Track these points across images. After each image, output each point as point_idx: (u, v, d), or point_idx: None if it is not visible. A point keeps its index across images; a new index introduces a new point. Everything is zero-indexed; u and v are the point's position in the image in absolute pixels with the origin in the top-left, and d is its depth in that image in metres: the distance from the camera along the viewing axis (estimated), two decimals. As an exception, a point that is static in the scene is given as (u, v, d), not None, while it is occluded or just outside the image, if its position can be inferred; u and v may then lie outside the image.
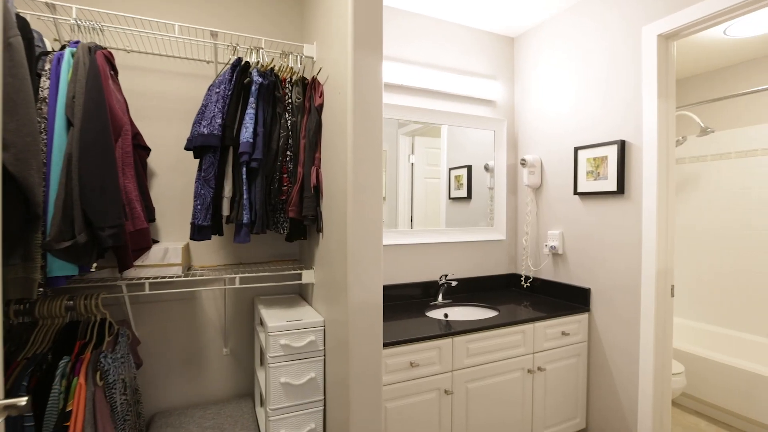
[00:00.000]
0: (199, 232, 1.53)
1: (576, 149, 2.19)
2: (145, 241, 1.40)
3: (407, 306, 2.16)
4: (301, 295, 2.01)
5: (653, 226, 1.84)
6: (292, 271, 1.72)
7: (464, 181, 2.51)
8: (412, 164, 2.39)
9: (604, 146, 2.05)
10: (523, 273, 2.55)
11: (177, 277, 1.57)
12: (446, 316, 2.18)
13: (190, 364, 1.88)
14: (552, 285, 2.35)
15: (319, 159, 1.57)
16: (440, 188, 2.45)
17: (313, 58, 1.79)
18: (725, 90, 3.02)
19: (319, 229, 1.58)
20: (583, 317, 2.12)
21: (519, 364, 1.92)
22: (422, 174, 2.41)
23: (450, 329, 1.75)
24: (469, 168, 2.51)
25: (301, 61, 1.76)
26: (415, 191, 2.38)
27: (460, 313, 2.21)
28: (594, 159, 2.10)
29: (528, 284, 2.50)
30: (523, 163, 2.41)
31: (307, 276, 1.70)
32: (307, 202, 1.53)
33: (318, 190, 1.56)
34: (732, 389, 2.39)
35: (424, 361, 1.68)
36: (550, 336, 2.01)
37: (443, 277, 2.27)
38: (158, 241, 1.72)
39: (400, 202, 2.33)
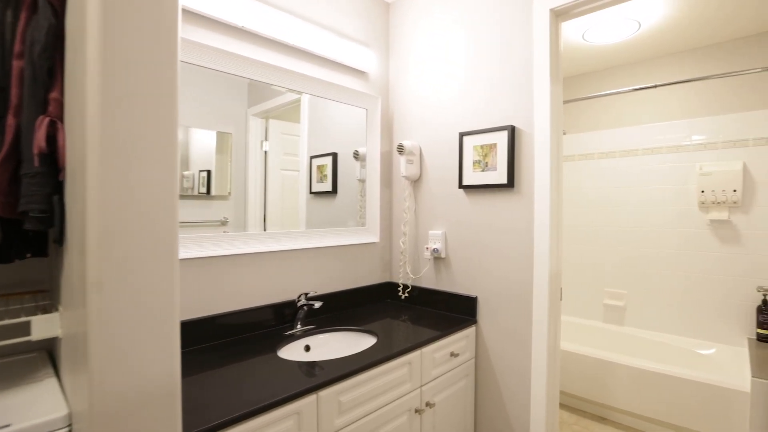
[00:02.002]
0: None
1: (461, 135, 1.86)
2: None
3: (253, 341, 1.51)
4: (51, 353, 1.16)
5: (546, 224, 1.60)
6: (14, 320, 0.91)
7: (329, 171, 1.97)
8: (266, 152, 1.76)
9: (493, 132, 1.75)
10: (400, 281, 2.14)
11: None
12: (308, 349, 1.61)
13: None
14: (434, 294, 1.99)
15: (59, 103, 0.81)
16: (300, 181, 1.86)
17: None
18: (585, 95, 3.18)
19: (58, 239, 0.82)
20: (470, 331, 1.80)
21: (405, 404, 1.47)
22: (278, 164, 1.79)
23: (314, 375, 1.18)
24: (335, 156, 1.99)
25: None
26: (270, 185, 1.76)
27: (326, 345, 1.66)
28: (481, 147, 1.80)
29: (407, 294, 2.10)
30: (401, 149, 1.99)
31: (45, 326, 0.89)
32: (30, 185, 0.77)
33: (54, 161, 0.79)
34: (583, 376, 2.42)
35: (275, 438, 1.07)
36: (439, 360, 1.63)
37: (302, 296, 1.69)
38: None
39: (250, 198, 1.68)
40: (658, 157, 2.76)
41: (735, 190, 2.45)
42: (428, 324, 1.75)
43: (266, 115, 1.75)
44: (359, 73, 2.06)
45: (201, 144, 1.53)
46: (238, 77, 1.60)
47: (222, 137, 1.60)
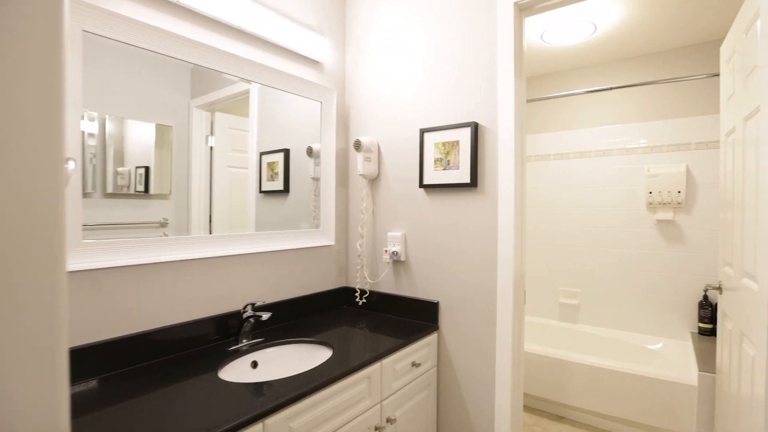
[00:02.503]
0: None
1: (422, 132, 1.77)
2: None
3: (191, 359, 1.32)
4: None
5: (510, 225, 1.54)
6: None
7: (280, 169, 1.81)
8: (212, 148, 1.57)
9: (456, 129, 1.68)
10: (358, 287, 2.02)
11: None
12: (255, 365, 1.44)
13: None
14: (394, 300, 1.88)
15: None
16: (249, 179, 1.69)
17: None
18: (541, 96, 3.21)
19: None
20: (432, 338, 1.71)
21: (364, 423, 1.35)
22: (226, 161, 1.61)
23: (260, 398, 1.03)
24: (287, 153, 1.83)
25: None
26: (217, 184, 1.57)
27: (276, 359, 1.50)
28: (443, 144, 1.71)
29: (364, 300, 1.97)
30: (358, 146, 1.87)
31: None
32: None
33: None
34: (541, 376, 2.42)
35: (211, 480, 0.91)
36: (400, 372, 1.52)
37: (249, 307, 1.52)
38: None
39: (194, 198, 1.49)
40: (610, 159, 2.84)
41: (679, 192, 2.55)
42: (388, 332, 1.63)
43: (212, 108, 1.57)
44: (313, 63, 1.91)
45: (138, 137, 1.35)
46: (178, 62, 1.41)
47: (162, 131, 1.41)
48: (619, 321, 2.82)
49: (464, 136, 1.65)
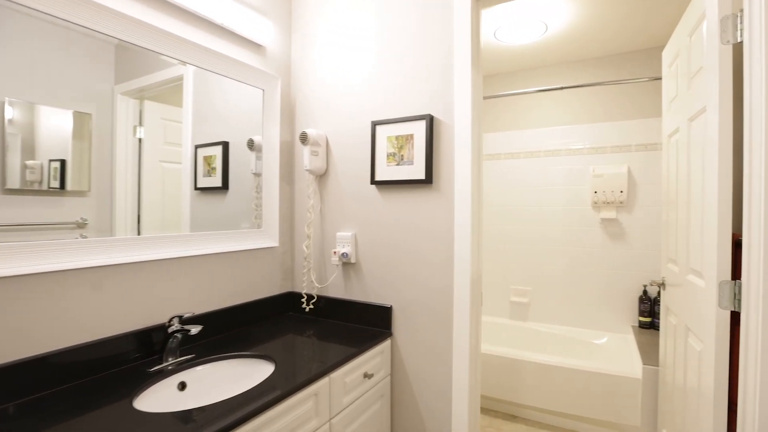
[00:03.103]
0: None
1: (374, 124, 1.65)
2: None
3: (104, 383, 1.11)
4: None
5: (467, 224, 1.46)
6: None
7: (218, 163, 1.62)
8: (141, 140, 1.35)
9: (410, 122, 1.57)
10: (304, 291, 1.86)
11: None
12: (183, 387, 1.25)
13: None
14: (343, 305, 1.74)
15: None
16: (183, 175, 1.48)
17: None
18: (486, 99, 3.20)
19: None
20: (385, 345, 1.59)
21: (310, 447, 1.20)
22: (158, 155, 1.40)
23: (188, 428, 0.86)
24: (226, 146, 1.64)
25: None
26: (147, 180, 1.36)
27: (209, 379, 1.32)
28: (397, 138, 1.60)
29: (312, 306, 1.82)
30: (304, 139, 1.72)
31: None
32: None
33: None
34: (494, 376, 2.40)
35: None
36: (351, 385, 1.39)
37: (175, 320, 1.32)
38: None
39: (119, 195, 1.29)
40: (558, 159, 2.89)
41: (621, 191, 2.65)
42: (338, 341, 1.50)
43: (141, 95, 1.36)
44: (255, 47, 1.73)
45: (52, 126, 1.14)
46: (100, 40, 1.21)
47: (81, 119, 1.20)
48: (567, 317, 2.89)
49: (419, 129, 1.55)
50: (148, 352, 1.32)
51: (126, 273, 1.27)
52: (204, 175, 1.58)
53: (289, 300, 1.88)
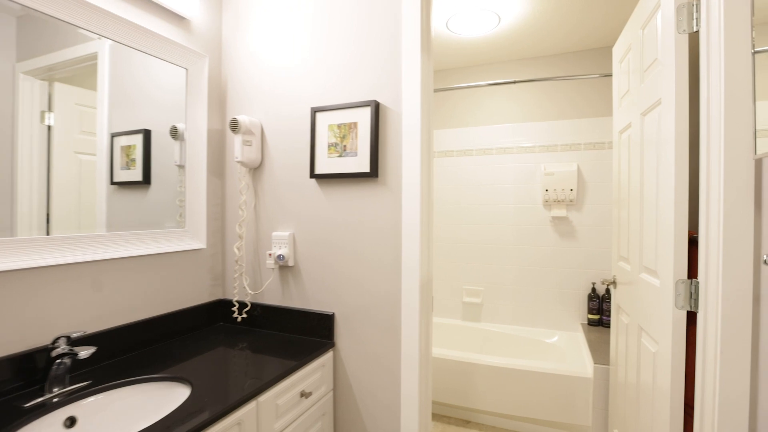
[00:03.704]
0: None
1: (314, 111, 1.48)
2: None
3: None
4: None
5: (416, 223, 1.33)
6: None
7: (138, 154, 1.39)
8: (50, 128, 1.12)
9: (353, 109, 1.42)
10: (236, 299, 1.65)
11: None
12: (71, 424, 1.01)
13: None
14: (280, 313, 1.56)
15: None
16: (98, 167, 1.25)
17: None
18: (437, 95, 3.10)
19: None
20: (326, 358, 1.43)
21: (230, 487, 1.01)
22: (71, 146, 1.18)
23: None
24: (147, 134, 1.42)
25: None
26: (57, 173, 1.13)
27: (106, 412, 1.08)
28: (339, 126, 1.44)
29: (245, 315, 1.62)
30: (235, 126, 1.51)
31: None
32: None
33: None
34: (446, 381, 2.31)
35: None
36: (285, 407, 1.21)
37: (61, 341, 1.08)
38: None
39: (23, 190, 1.08)
40: (511, 156, 2.85)
41: (572, 190, 2.64)
42: (273, 353, 1.31)
43: (50, 76, 1.13)
44: (178, 19, 1.50)
45: None
46: None
47: None
48: (519, 317, 2.86)
49: (363, 117, 1.40)
50: (29, 381, 1.07)
51: (29, 278, 1.01)
52: (122, 168, 1.35)
53: (219, 309, 1.66)
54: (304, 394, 1.28)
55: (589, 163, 2.65)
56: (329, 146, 1.46)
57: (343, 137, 1.43)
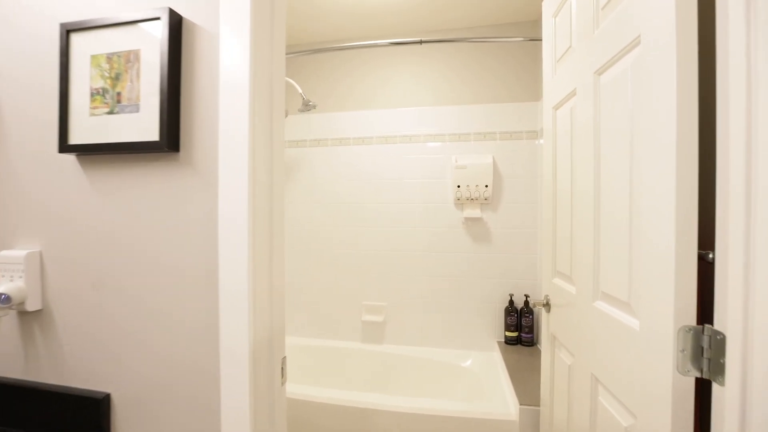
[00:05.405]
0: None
1: (68, 31, 0.81)
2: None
3: None
4: None
5: (243, 230, 0.74)
6: None
7: None
8: None
9: (134, 25, 0.78)
10: (-75, 377, 0.90)
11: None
12: None
13: None
14: (18, 398, 0.85)
15: None
16: None
17: None
18: (333, 72, 2.54)
19: None
20: (85, 485, 0.77)
21: None
22: None
23: None
24: None
25: None
26: None
27: None
28: (110, 58, 0.79)
29: (-57, 406, 0.87)
30: None
31: None
32: None
33: None
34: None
35: None
36: None
37: None
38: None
39: None
40: (417, 146, 2.39)
41: (486, 186, 2.26)
42: None
43: None
44: None
45: None
46: None
47: None
48: (428, 336, 2.41)
49: (150, 41, 0.77)
50: None
51: None
52: None
53: None
54: None
55: (505, 155, 2.30)
56: (94, 95, 0.80)
57: (117, 78, 0.79)
